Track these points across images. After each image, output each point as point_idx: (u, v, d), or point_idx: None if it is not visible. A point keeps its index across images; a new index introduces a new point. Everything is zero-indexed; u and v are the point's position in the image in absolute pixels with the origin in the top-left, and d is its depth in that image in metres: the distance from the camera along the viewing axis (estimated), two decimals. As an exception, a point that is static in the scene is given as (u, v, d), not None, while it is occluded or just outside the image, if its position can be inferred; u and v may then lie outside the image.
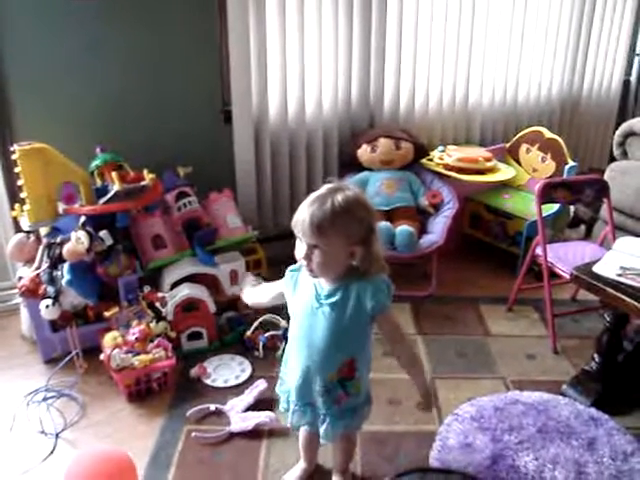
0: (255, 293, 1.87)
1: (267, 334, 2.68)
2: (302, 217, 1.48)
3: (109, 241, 2.54)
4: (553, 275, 2.76)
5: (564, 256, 2.77)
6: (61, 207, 2.59)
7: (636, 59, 4.33)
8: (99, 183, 2.67)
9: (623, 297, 2.05)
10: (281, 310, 2.73)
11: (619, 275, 2.13)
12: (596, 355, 2.38)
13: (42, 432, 2.22)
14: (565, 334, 2.81)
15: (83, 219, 2.58)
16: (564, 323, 2.87)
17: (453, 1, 3.45)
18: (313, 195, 1.52)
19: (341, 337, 1.58)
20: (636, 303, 1.99)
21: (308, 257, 1.51)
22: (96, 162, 2.69)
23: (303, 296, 1.63)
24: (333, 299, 1.56)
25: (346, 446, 1.88)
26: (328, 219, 1.46)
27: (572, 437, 2.00)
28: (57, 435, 2.21)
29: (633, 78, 4.37)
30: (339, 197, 1.47)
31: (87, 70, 2.85)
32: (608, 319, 2.30)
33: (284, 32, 3.07)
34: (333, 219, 1.46)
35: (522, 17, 3.72)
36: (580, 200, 2.88)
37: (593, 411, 2.15)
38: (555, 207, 3.18)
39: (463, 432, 2.04)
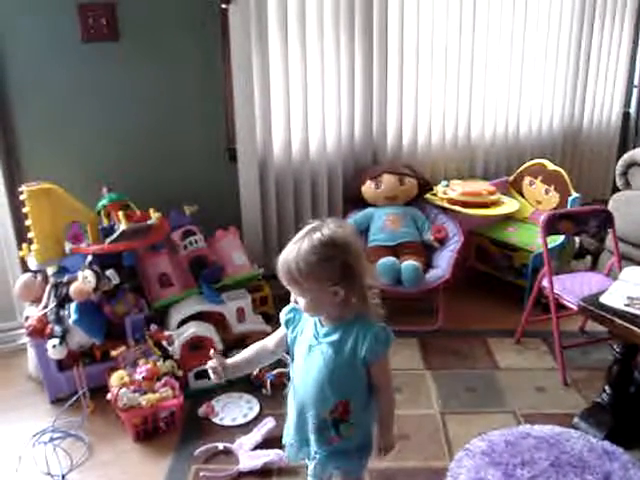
0: (244, 352, 1.75)
1: (274, 372, 2.66)
2: (277, 267, 1.50)
3: (116, 280, 2.55)
4: (560, 307, 2.74)
5: (571, 287, 2.76)
6: (68, 247, 2.60)
7: (634, 91, 4.37)
8: (106, 222, 2.69)
9: (631, 327, 2.04)
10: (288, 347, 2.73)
11: (627, 305, 2.12)
12: (607, 387, 2.35)
13: (48, 474, 2.20)
14: (574, 366, 2.78)
15: (90, 258, 2.59)
16: (573, 355, 2.85)
17: (452, 38, 3.52)
18: (290, 242, 1.52)
19: (335, 377, 1.55)
20: (645, 333, 1.98)
21: (295, 301, 1.55)
22: (103, 202, 2.72)
23: (305, 332, 1.62)
24: (331, 338, 1.55)
25: None
26: (293, 270, 1.46)
27: (586, 471, 1.97)
28: (63, 477, 2.19)
29: (632, 110, 4.41)
30: (305, 244, 1.47)
31: (94, 111, 2.91)
32: (618, 350, 2.28)
33: (287, 71, 3.14)
34: (300, 267, 1.45)
35: (521, 51, 3.77)
36: (585, 231, 2.88)
37: (607, 444, 2.11)
38: (560, 239, 3.18)
39: (474, 468, 2.01)
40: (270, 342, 1.73)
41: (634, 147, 4.13)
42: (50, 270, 2.67)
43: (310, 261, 1.45)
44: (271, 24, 3.05)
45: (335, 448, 1.63)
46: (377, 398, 1.63)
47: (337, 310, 1.53)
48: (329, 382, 1.55)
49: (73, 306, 2.51)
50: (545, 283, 2.79)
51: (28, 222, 2.56)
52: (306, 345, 1.60)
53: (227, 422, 2.46)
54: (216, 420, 2.47)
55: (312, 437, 1.63)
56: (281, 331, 1.69)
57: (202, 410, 2.50)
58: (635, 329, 2.02)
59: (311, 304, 1.51)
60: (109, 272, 2.53)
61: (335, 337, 1.54)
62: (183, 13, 2.94)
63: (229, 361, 1.70)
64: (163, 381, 2.44)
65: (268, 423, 2.37)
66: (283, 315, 1.66)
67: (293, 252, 1.48)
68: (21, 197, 2.56)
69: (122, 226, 2.58)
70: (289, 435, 1.71)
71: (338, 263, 1.47)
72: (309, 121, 3.26)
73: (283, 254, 1.51)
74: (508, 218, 3.60)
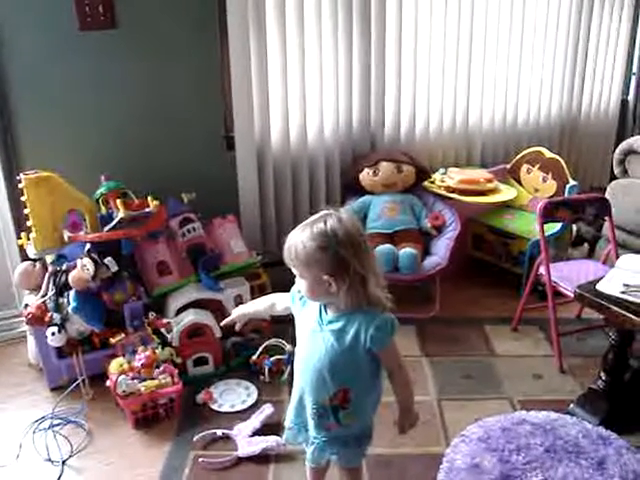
0: (261, 302, 1.86)
1: (272, 358, 2.68)
2: (284, 246, 1.54)
3: (114, 268, 2.55)
4: (557, 294, 2.76)
5: (567, 275, 2.78)
6: (66, 235, 2.61)
7: (633, 78, 4.37)
8: (104, 210, 2.69)
9: (628, 314, 2.05)
10: (286, 334, 2.74)
11: (623, 292, 2.13)
12: (603, 373, 2.37)
13: (49, 460, 2.22)
14: (571, 353, 2.80)
15: (88, 246, 2.59)
16: (569, 342, 2.86)
17: (451, 25, 3.51)
18: (300, 224, 1.56)
19: (336, 365, 1.57)
20: (640, 320, 2.00)
21: (297, 283, 1.57)
22: (101, 190, 2.71)
23: (308, 317, 1.63)
24: (334, 326, 1.56)
25: (350, 477, 1.85)
26: (292, 252, 1.50)
27: (581, 457, 1.98)
28: (64, 462, 2.21)
29: (630, 97, 4.41)
30: (307, 230, 1.49)
31: (92, 99, 2.90)
32: (613, 337, 2.29)
33: (285, 59, 3.12)
34: (298, 251, 1.49)
35: (520, 40, 3.76)
36: (582, 219, 2.90)
37: (602, 430, 2.12)
38: (557, 226, 3.18)
39: (470, 453, 2.02)
40: (279, 305, 1.78)
41: (632, 135, 4.14)
42: (49, 258, 2.68)
43: (307, 247, 1.48)
44: (269, 10, 3.03)
45: (333, 434, 1.64)
46: (392, 381, 1.65)
47: (335, 299, 1.54)
48: (329, 370, 1.57)
49: (72, 294, 2.51)
50: (542, 270, 2.80)
51: (27, 210, 2.57)
52: (309, 329, 1.61)
53: (226, 408, 2.47)
54: (215, 407, 2.48)
55: (311, 422, 1.65)
56: (289, 302, 1.71)
57: (201, 397, 2.52)
58: (631, 316, 2.04)
59: (307, 289, 1.54)
60: (107, 260, 2.53)
61: (338, 326, 1.56)
62: None
63: (245, 311, 1.87)
64: (162, 368, 2.45)
65: (266, 409, 2.39)
66: (293, 295, 1.68)
67: (296, 235, 1.51)
68: (20, 185, 2.56)
69: (120, 214, 2.58)
70: (289, 419, 1.73)
71: (332, 254, 1.47)
72: (307, 109, 3.26)
73: (290, 234, 1.54)
74: (505, 206, 3.61)
